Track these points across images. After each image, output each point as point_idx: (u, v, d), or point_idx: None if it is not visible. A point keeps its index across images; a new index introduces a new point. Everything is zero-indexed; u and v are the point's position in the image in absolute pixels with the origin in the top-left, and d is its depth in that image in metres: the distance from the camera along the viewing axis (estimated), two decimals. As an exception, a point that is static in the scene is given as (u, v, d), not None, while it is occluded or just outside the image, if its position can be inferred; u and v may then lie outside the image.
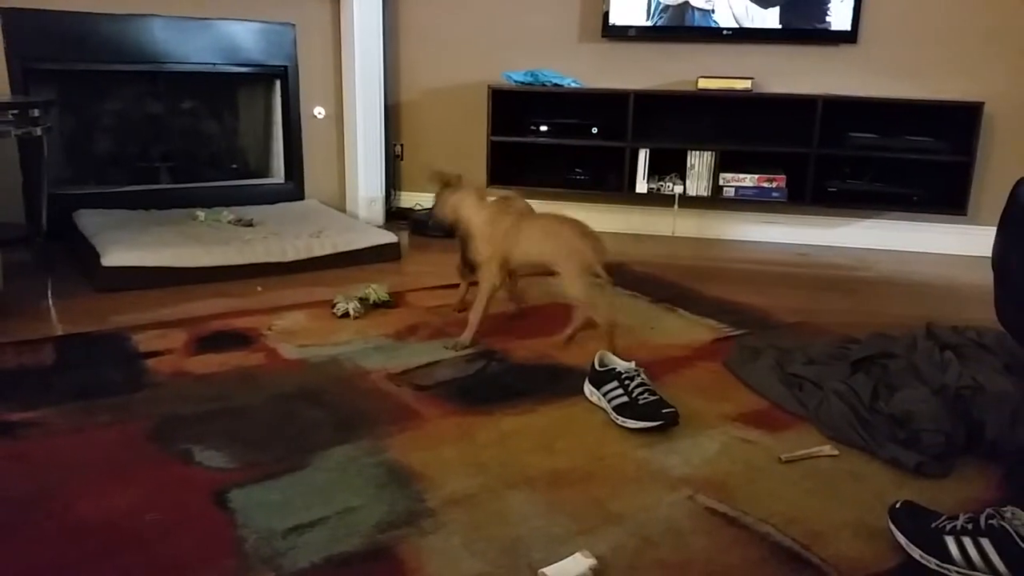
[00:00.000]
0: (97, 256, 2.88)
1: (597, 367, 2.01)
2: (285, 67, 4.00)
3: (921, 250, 3.90)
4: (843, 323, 2.69)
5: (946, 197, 3.69)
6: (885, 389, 1.95)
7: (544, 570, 1.30)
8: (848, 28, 3.76)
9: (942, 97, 3.71)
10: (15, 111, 2.82)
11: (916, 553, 1.37)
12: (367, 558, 1.35)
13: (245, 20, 3.83)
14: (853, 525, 1.49)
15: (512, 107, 4.05)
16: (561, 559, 1.33)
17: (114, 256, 2.86)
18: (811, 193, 3.79)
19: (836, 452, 1.78)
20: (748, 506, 1.54)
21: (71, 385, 2.02)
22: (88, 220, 3.30)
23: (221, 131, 4.21)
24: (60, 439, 1.74)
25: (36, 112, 2.89)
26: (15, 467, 1.62)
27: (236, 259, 3.04)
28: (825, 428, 1.87)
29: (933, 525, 1.38)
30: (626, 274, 3.26)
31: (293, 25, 3.97)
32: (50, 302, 2.75)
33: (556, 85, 3.92)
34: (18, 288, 2.78)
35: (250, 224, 3.45)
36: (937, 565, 1.34)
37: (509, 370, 2.22)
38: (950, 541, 1.34)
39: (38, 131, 2.91)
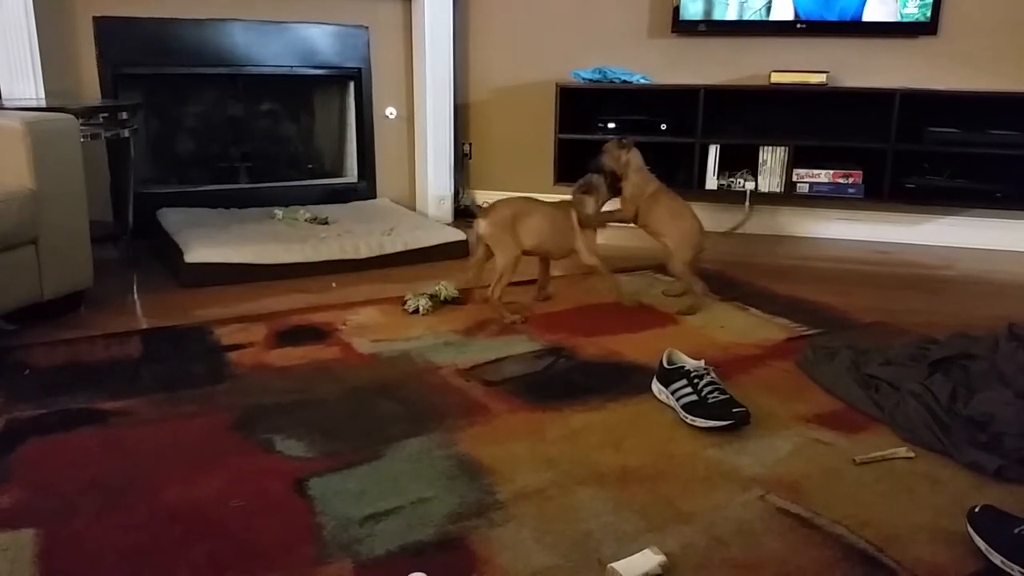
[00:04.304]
0: (180, 253, 2.99)
1: (665, 365, 2.01)
2: (359, 69, 4.09)
3: (1004, 248, 3.76)
4: (922, 323, 2.61)
5: (1032, 193, 3.56)
6: (964, 391, 1.89)
7: (613, 565, 1.30)
8: (928, 19, 3.65)
9: (1027, 89, 3.58)
10: (105, 114, 2.95)
11: (997, 559, 1.34)
12: (440, 548, 1.38)
13: (321, 23, 3.93)
14: (929, 529, 1.46)
15: (580, 105, 4.06)
16: (630, 555, 1.33)
17: (197, 253, 2.97)
18: (889, 189, 3.69)
19: (912, 454, 1.74)
20: (821, 507, 1.52)
21: (157, 376, 2.11)
22: (171, 218, 3.43)
23: (298, 132, 4.32)
24: (148, 428, 1.82)
25: (124, 115, 3.03)
26: (106, 453, 1.70)
27: (312, 256, 3.13)
28: (901, 430, 1.83)
29: (1016, 531, 1.34)
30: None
31: (366, 28, 4.05)
32: (136, 297, 2.87)
33: (625, 82, 3.91)
34: (106, 283, 2.89)
35: (325, 222, 3.54)
36: (1021, 572, 1.31)
37: (577, 367, 2.23)
38: (1035, 548, 1.30)
39: (125, 133, 3.04)
